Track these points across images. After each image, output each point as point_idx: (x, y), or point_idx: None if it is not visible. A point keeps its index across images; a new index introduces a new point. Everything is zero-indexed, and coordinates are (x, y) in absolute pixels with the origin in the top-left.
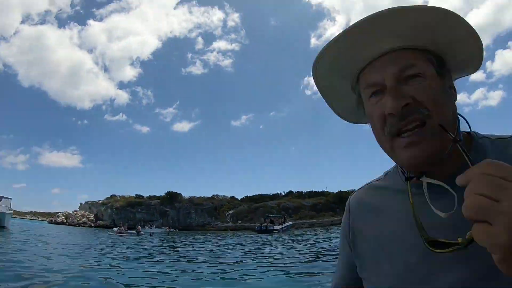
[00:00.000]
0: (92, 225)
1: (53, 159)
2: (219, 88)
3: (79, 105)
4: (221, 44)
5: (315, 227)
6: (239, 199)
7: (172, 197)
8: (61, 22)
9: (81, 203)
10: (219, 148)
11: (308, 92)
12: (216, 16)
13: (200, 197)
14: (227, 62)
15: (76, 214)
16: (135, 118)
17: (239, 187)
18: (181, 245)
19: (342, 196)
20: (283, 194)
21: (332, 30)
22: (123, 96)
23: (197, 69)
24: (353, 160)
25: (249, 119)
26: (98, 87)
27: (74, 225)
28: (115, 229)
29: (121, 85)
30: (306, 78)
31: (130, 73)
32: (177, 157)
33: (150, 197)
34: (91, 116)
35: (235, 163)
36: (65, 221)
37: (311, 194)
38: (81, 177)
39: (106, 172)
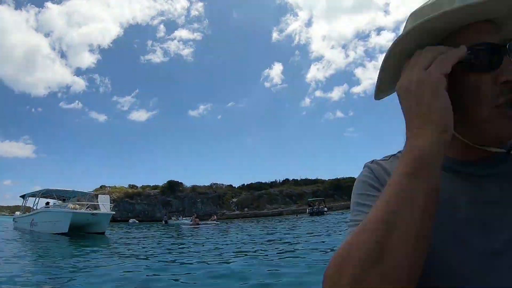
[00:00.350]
0: None
1: (4, 149)
2: (178, 77)
3: (34, 92)
4: (182, 33)
5: (333, 210)
6: (236, 187)
7: (172, 186)
8: (19, 3)
9: None
10: (177, 138)
11: (267, 85)
12: (180, 4)
13: (201, 186)
14: (187, 51)
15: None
16: (92, 106)
17: (195, 177)
18: (289, 231)
19: (338, 184)
20: (279, 181)
21: (294, 25)
22: (79, 84)
23: (157, 57)
24: (311, 151)
25: (206, 109)
26: (54, 74)
27: None
28: (186, 221)
29: (78, 72)
30: (266, 71)
31: (88, 59)
32: (134, 147)
33: (144, 187)
34: (45, 104)
35: (192, 153)
36: None
37: (306, 181)
38: (34, 167)
39: (60, 162)
